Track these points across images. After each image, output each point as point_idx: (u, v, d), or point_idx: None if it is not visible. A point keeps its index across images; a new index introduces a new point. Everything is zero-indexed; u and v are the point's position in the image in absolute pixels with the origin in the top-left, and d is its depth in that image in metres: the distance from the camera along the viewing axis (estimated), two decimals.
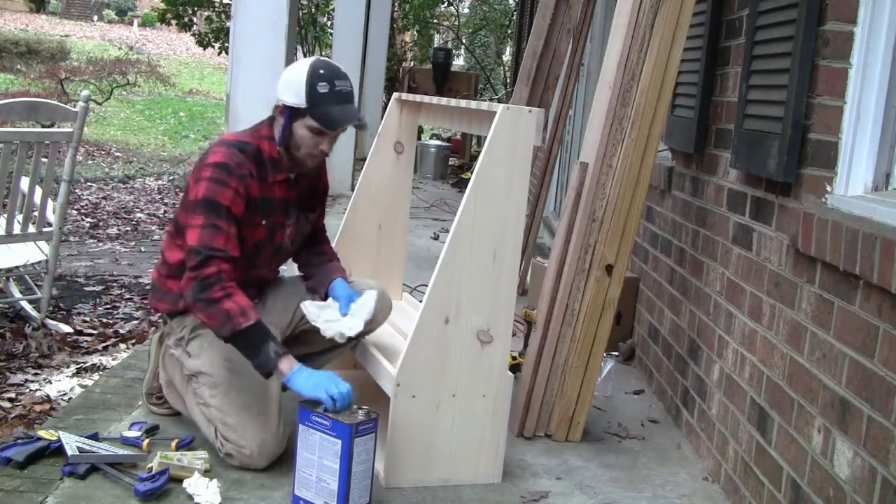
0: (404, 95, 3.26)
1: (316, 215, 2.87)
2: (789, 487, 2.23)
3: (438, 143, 11.92)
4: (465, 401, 2.54)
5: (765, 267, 2.51)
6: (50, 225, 4.15)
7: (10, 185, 3.94)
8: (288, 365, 2.40)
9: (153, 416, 2.85)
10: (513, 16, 16.82)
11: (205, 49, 14.60)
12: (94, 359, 3.83)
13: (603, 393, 3.40)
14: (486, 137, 2.49)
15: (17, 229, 4.02)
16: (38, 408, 3.23)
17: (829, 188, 2.17)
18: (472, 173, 2.60)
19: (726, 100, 3.01)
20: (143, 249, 6.35)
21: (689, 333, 3.15)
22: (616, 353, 3.75)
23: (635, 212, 2.95)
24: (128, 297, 4.89)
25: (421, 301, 2.55)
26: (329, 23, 13.30)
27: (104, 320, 4.39)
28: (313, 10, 13.59)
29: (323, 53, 13.05)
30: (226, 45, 12.16)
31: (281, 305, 2.80)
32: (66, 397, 3.35)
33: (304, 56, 12.72)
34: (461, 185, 10.04)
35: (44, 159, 4.00)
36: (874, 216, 1.95)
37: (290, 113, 2.55)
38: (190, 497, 2.31)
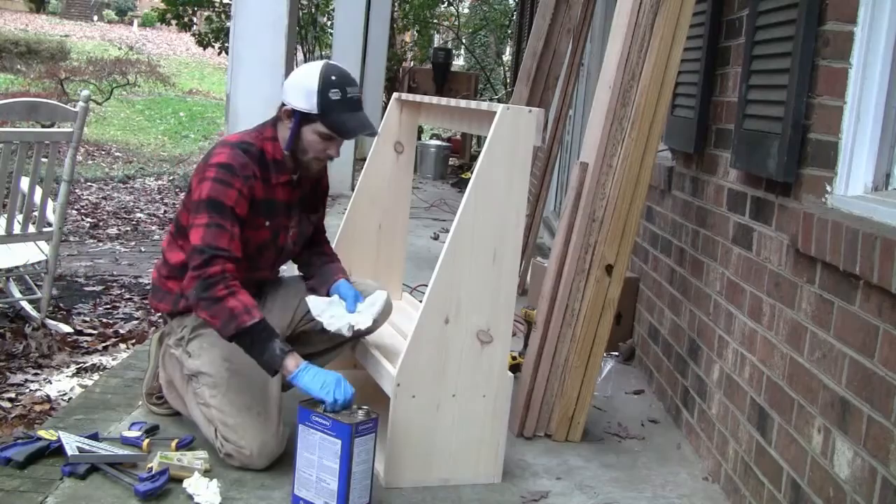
0: (404, 95, 3.26)
1: (318, 216, 2.88)
2: (789, 487, 2.23)
3: (438, 143, 11.92)
4: (465, 401, 2.53)
5: (765, 267, 2.51)
6: (50, 225, 4.15)
7: (10, 185, 3.95)
8: (294, 363, 2.39)
9: (153, 416, 2.85)
10: (513, 16, 16.81)
11: (205, 49, 14.60)
12: (94, 359, 3.83)
13: (603, 393, 3.40)
14: (486, 137, 2.49)
15: (17, 229, 4.02)
16: (38, 408, 3.23)
17: (829, 188, 2.17)
18: (472, 173, 2.60)
19: (726, 100, 3.01)
20: (143, 249, 6.35)
21: (689, 333, 3.15)
22: (616, 353, 3.75)
23: (635, 212, 2.95)
24: (128, 297, 4.89)
25: (421, 301, 2.56)
26: (329, 23, 13.29)
27: (104, 320, 4.39)
28: (313, 10, 13.59)
29: (323, 53, 13.05)
30: (226, 45, 12.15)
31: (280, 305, 2.80)
32: (66, 397, 3.35)
33: (305, 56, 12.75)
34: (461, 185, 10.04)
35: (44, 159, 4.00)
36: (874, 216, 1.95)
37: (300, 118, 2.55)
38: (190, 497, 2.31)
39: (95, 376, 3.55)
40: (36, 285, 4.36)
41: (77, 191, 8.53)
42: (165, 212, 8.08)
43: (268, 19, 4.11)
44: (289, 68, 4.16)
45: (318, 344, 2.79)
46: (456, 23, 18.84)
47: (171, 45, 26.90)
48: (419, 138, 11.44)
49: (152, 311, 4.27)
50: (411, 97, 3.22)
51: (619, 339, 3.97)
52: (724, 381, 2.76)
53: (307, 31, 13.11)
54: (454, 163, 12.76)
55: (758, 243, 2.58)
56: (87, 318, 4.38)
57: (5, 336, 3.93)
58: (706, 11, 3.19)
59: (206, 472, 2.43)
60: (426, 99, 3.11)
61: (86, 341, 4.04)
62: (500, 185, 2.49)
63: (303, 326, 2.79)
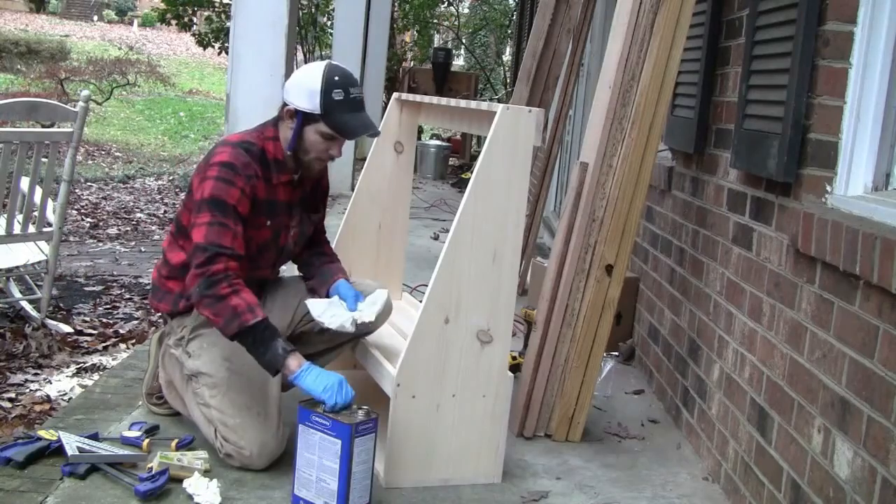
0: (404, 95, 3.26)
1: (319, 216, 2.88)
2: (789, 487, 2.23)
3: (438, 143, 11.93)
4: (465, 401, 2.53)
5: (765, 267, 2.51)
6: (50, 225, 4.15)
7: (10, 185, 3.95)
8: (297, 363, 2.38)
9: (153, 416, 2.85)
10: (513, 16, 16.82)
11: (205, 49, 14.60)
12: (94, 359, 3.83)
13: (603, 393, 3.40)
14: (486, 137, 2.49)
15: (17, 229, 4.02)
16: (38, 408, 3.23)
17: (829, 188, 2.17)
18: (472, 173, 2.60)
19: (726, 100, 3.01)
20: (143, 249, 6.35)
21: (689, 333, 3.15)
22: (616, 353, 3.75)
23: (635, 212, 2.95)
24: (128, 297, 4.89)
25: (421, 301, 2.55)
26: (329, 23, 13.30)
27: (104, 320, 4.39)
28: (313, 10, 13.59)
29: (323, 53, 13.05)
30: (226, 45, 12.15)
31: (280, 305, 2.79)
32: (66, 397, 3.35)
33: (305, 56, 12.74)
34: (461, 185, 10.04)
35: (44, 159, 4.00)
36: (874, 216, 1.95)
37: (303, 118, 2.55)
38: (190, 497, 2.31)
39: (95, 376, 3.55)
40: (36, 285, 4.36)
41: (77, 191, 8.53)
42: (165, 212, 8.08)
43: (268, 19, 4.12)
44: (289, 68, 4.17)
45: (317, 344, 2.79)
46: (456, 23, 18.85)
47: (171, 45, 26.90)
48: (419, 138, 11.44)
49: (152, 311, 4.28)
50: (411, 97, 3.22)
51: (619, 339, 3.97)
52: (724, 381, 2.76)
53: (307, 31, 13.11)
54: (454, 163, 12.77)
55: (758, 243, 2.58)
56: (87, 318, 4.38)
57: (5, 336, 3.93)
58: (706, 11, 3.19)
59: (206, 472, 2.43)
60: (426, 99, 3.11)
61: (86, 341, 4.04)
62: (500, 185, 2.49)
63: (302, 327, 2.78)
